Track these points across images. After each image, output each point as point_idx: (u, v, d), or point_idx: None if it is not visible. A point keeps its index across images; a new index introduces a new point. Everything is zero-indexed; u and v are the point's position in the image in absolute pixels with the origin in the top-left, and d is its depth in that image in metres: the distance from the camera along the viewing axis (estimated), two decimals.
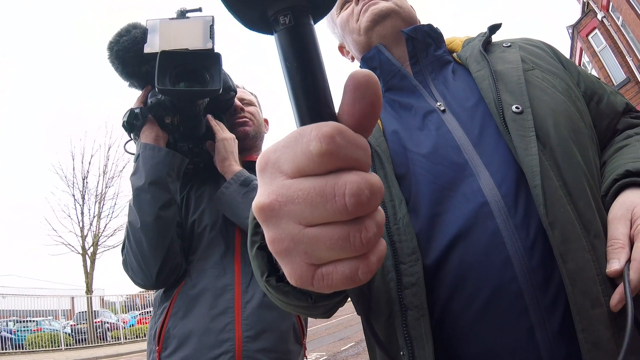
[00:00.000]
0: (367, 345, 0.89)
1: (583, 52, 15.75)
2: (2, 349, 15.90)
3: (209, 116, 1.51)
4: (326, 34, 1.24)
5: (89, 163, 21.60)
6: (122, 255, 1.43)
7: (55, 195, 43.76)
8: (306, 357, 1.61)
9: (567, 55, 1.03)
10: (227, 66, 1.55)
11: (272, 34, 0.36)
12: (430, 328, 0.69)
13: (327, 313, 0.74)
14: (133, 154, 1.45)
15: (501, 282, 0.67)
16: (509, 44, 0.97)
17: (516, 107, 0.79)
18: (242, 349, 1.32)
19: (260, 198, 0.33)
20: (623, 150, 0.85)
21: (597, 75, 1.02)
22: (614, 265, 0.66)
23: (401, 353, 0.72)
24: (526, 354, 0.65)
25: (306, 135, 0.31)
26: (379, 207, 0.34)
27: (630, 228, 0.69)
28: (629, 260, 0.65)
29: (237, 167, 1.47)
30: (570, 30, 16.54)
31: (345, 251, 0.32)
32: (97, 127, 49.29)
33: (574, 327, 0.63)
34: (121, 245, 1.46)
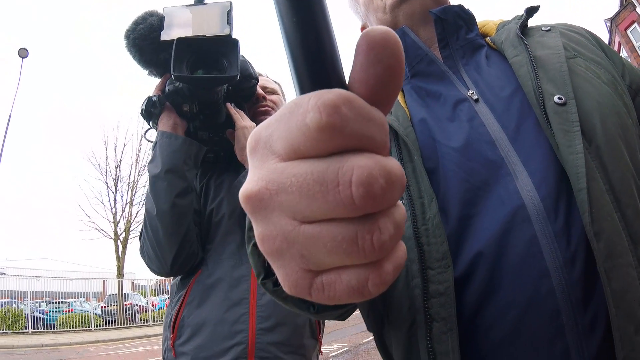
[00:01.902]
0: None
1: (622, 46, 15.24)
2: (34, 328, 16.51)
3: (229, 104, 1.49)
4: (349, 15, 1.17)
5: (122, 152, 22.45)
6: (140, 242, 1.44)
7: (88, 183, 45.34)
8: (321, 352, 1.59)
9: None
10: (249, 54, 1.53)
11: None
12: (458, 344, 0.62)
13: (341, 317, 0.66)
14: (152, 142, 1.45)
15: (536, 297, 0.59)
16: (549, 27, 0.87)
17: (559, 98, 0.69)
18: (255, 341, 1.31)
19: (248, 185, 0.27)
20: None
21: None
22: None
23: None
24: None
25: (303, 105, 0.24)
26: (399, 202, 0.27)
27: None
28: None
29: None
30: (608, 24, 16.03)
31: (351, 257, 0.25)
32: (129, 118, 50.53)
33: (614, 352, 0.56)
34: (139, 233, 1.46)
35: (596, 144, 0.66)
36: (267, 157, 0.26)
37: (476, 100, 0.77)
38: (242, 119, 1.48)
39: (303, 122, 0.24)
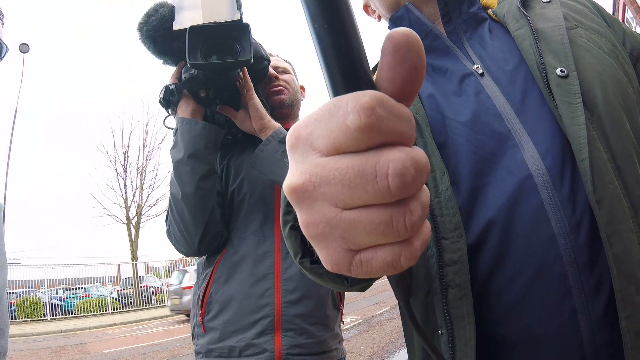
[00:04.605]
0: (403, 326, 0.87)
1: (626, 7, 14.89)
2: (53, 315, 16.91)
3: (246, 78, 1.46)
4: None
5: (129, 138, 22.76)
6: (166, 225, 1.49)
7: (98, 170, 45.95)
8: (342, 322, 1.66)
9: (610, 11, 0.94)
10: (259, 35, 1.55)
11: None
12: (472, 308, 0.65)
13: (364, 288, 0.71)
14: (172, 129, 1.49)
15: (545, 262, 0.63)
16: None
17: (561, 71, 0.71)
18: (281, 314, 1.37)
19: (292, 178, 0.31)
20: None
21: None
22: None
23: (440, 332, 0.69)
24: (568, 340, 0.61)
25: (342, 108, 0.28)
26: (424, 186, 0.31)
27: None
28: None
29: (276, 123, 1.44)
30: None
31: (387, 237, 0.29)
32: (134, 104, 50.51)
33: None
34: (165, 215, 1.51)
35: (598, 115, 0.68)
36: (308, 152, 0.30)
37: (482, 75, 0.78)
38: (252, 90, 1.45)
39: (344, 123, 0.28)
